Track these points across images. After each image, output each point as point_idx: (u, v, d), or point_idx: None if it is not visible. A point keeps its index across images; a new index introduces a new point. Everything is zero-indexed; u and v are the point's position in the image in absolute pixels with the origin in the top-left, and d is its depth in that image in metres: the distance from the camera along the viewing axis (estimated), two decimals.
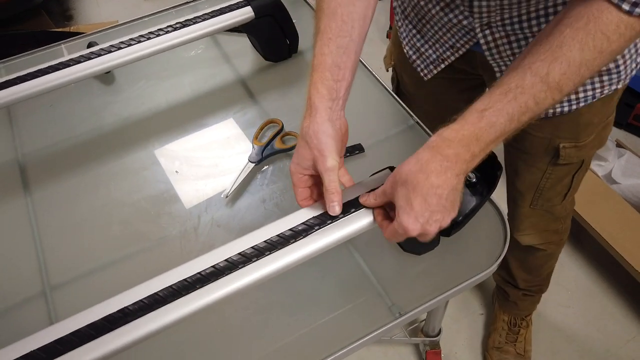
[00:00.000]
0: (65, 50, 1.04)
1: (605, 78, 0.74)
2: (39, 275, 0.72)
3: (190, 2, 1.14)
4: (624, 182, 1.42)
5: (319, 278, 0.71)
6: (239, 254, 0.57)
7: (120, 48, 0.88)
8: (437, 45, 0.81)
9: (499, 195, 0.77)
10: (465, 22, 0.74)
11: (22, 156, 0.88)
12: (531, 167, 0.90)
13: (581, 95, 0.76)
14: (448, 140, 0.51)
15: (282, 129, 0.87)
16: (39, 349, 0.51)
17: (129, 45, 0.88)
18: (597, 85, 0.75)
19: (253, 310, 0.68)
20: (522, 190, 0.94)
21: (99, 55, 0.87)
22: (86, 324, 0.53)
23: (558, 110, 0.78)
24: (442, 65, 0.83)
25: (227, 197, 0.78)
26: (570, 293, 1.41)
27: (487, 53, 0.76)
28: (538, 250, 1.06)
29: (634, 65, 0.75)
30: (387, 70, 1.03)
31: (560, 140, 0.83)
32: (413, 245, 0.70)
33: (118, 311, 0.54)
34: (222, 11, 0.92)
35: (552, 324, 1.36)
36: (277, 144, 0.84)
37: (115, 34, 1.08)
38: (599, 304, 1.39)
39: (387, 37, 2.13)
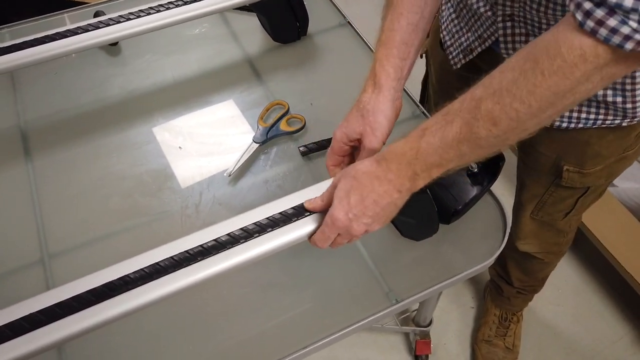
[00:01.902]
0: (67, 20, 1.03)
1: (610, 110, 0.71)
2: (38, 243, 0.72)
3: None
4: (621, 185, 1.43)
5: (317, 260, 0.71)
6: (241, 229, 0.57)
7: (128, 19, 0.86)
8: (469, 34, 0.79)
9: (506, 201, 0.77)
10: (490, 13, 0.73)
11: (24, 122, 0.87)
12: (536, 182, 0.89)
13: (582, 115, 0.73)
14: (392, 153, 0.52)
15: (287, 111, 0.86)
16: (38, 311, 0.51)
17: (138, 16, 0.87)
18: (600, 114, 0.72)
19: (250, 288, 0.69)
20: (525, 201, 0.94)
21: (107, 24, 0.85)
22: (87, 289, 0.53)
23: (556, 124, 0.76)
24: (470, 56, 0.81)
25: (229, 175, 0.78)
26: (561, 291, 1.42)
27: (502, 47, 0.74)
28: (535, 258, 1.06)
29: None
30: (421, 57, 1.02)
31: (565, 163, 0.82)
32: (412, 230, 0.71)
33: (119, 279, 0.54)
34: None
35: (541, 320, 1.38)
36: (282, 126, 0.84)
37: (120, 5, 1.06)
38: (589, 303, 1.41)
39: None
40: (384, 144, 0.60)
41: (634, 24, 0.39)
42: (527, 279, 1.17)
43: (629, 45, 0.40)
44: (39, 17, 1.04)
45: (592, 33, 0.41)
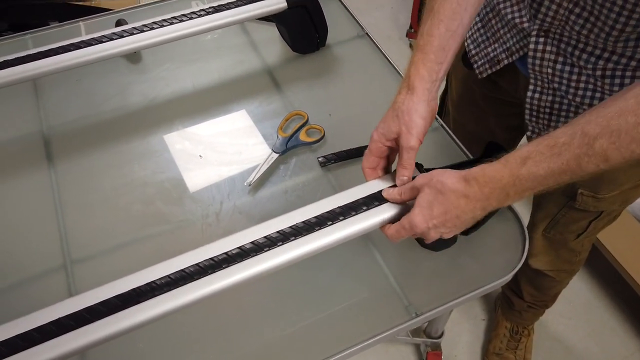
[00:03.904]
0: (83, 28, 1.04)
1: None
2: (60, 248, 0.73)
3: None
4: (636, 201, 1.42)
5: (336, 270, 0.72)
6: (265, 237, 0.58)
7: (152, 28, 0.87)
8: (497, 44, 0.80)
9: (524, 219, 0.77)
10: (525, 25, 0.73)
11: (47, 128, 0.88)
12: (550, 202, 0.90)
13: None
14: (487, 177, 0.53)
15: (307, 121, 0.87)
16: (67, 316, 0.52)
17: (161, 26, 0.88)
18: None
19: (270, 298, 0.69)
20: (538, 219, 0.95)
21: (131, 34, 0.87)
22: (114, 294, 0.54)
23: None
24: (497, 67, 0.81)
25: (250, 185, 0.79)
26: (573, 305, 1.42)
27: (530, 62, 0.74)
28: (547, 275, 1.06)
29: None
30: None
31: (579, 186, 0.82)
32: (431, 243, 0.71)
33: (145, 284, 0.55)
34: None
35: (552, 334, 1.37)
36: (301, 136, 0.85)
37: (142, 14, 1.08)
38: (600, 318, 1.40)
39: (406, 36, 2.13)
40: (420, 142, 0.61)
41: None
42: (538, 294, 1.17)
43: None
44: (61, 23, 1.06)
45: None
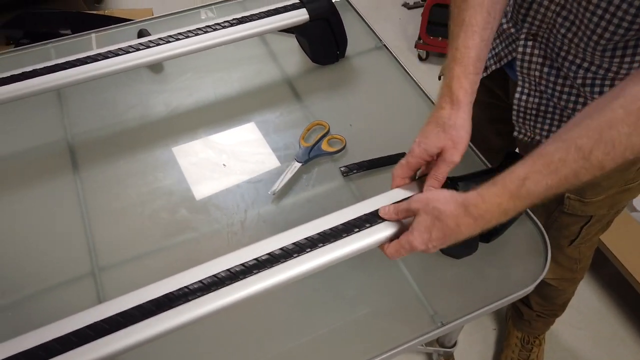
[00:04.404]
0: (93, 40, 1.05)
1: None
2: (88, 256, 0.74)
3: None
4: None
5: (361, 279, 0.72)
6: (293, 243, 0.60)
7: (177, 39, 0.89)
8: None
9: None
10: (513, 30, 0.76)
11: (71, 137, 0.89)
12: (542, 207, 0.91)
13: None
14: (488, 203, 0.54)
15: (328, 131, 0.88)
16: (102, 320, 0.53)
17: (186, 37, 0.89)
18: None
19: (292, 304, 0.70)
20: None
21: (157, 44, 0.88)
22: (147, 300, 0.54)
23: None
24: (485, 73, 0.84)
25: (274, 194, 0.80)
26: (583, 315, 1.42)
27: (518, 65, 0.77)
28: (550, 285, 1.07)
29: None
30: (439, 79, 1.05)
31: (566, 190, 0.84)
32: (453, 248, 0.72)
33: (178, 289, 0.56)
34: (276, 11, 0.93)
35: (562, 344, 1.38)
36: (323, 146, 0.86)
37: (160, 25, 1.09)
38: (611, 328, 1.41)
39: (415, 47, 2.15)
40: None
41: None
42: (546, 303, 1.18)
43: None
44: (83, 32, 1.07)
45: None
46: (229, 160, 0.86)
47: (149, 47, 0.87)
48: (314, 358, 0.66)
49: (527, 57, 0.76)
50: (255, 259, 0.59)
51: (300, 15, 0.93)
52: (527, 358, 1.28)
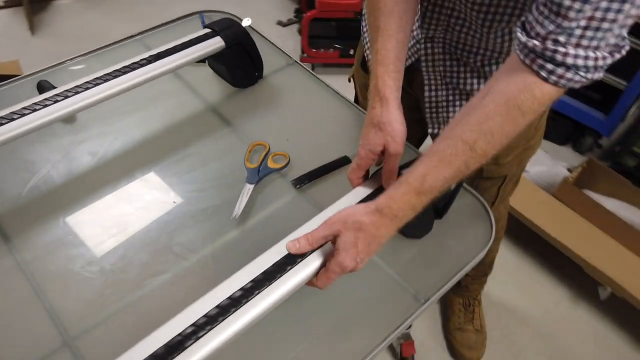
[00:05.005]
0: None
1: None
2: (55, 329, 0.68)
3: (134, 36, 1.13)
4: (532, 170, 1.66)
5: (340, 280, 0.76)
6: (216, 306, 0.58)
7: (87, 88, 0.84)
8: None
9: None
10: (414, 33, 0.85)
11: None
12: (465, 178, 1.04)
13: None
14: (398, 203, 0.60)
15: (269, 149, 0.91)
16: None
17: (96, 84, 0.84)
18: None
19: (280, 316, 0.71)
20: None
21: (66, 97, 0.82)
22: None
23: None
24: None
25: (236, 218, 0.80)
26: (505, 271, 1.60)
27: (423, 64, 0.87)
28: None
29: None
30: (349, 81, 1.12)
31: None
32: (414, 230, 0.80)
33: (171, 339, 0.55)
34: (190, 43, 0.93)
35: (494, 300, 1.54)
36: (269, 164, 0.88)
37: (58, 73, 1.03)
38: (529, 277, 1.60)
39: (300, 61, 2.23)
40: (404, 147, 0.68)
41: (582, 73, 0.55)
42: (476, 265, 1.31)
43: (577, 85, 0.57)
44: None
45: (555, 83, 0.56)
46: (176, 197, 0.84)
47: (57, 101, 0.80)
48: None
49: (429, 57, 0.86)
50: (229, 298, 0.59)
51: (216, 43, 0.94)
52: (471, 319, 1.40)
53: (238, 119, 0.98)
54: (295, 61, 1.10)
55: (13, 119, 0.79)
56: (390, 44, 0.70)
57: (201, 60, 1.03)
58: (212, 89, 1.03)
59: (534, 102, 0.57)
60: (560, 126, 1.98)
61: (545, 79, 0.56)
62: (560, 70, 0.55)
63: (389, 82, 0.69)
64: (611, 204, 1.52)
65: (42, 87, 0.96)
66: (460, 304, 1.42)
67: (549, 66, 0.55)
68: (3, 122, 0.78)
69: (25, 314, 0.69)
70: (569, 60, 0.54)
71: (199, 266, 0.75)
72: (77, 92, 0.84)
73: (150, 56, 0.89)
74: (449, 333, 1.42)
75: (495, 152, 0.60)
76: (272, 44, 1.13)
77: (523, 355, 1.44)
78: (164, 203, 0.83)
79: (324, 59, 2.23)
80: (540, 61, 0.56)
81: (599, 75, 0.57)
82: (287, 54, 1.11)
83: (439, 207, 0.80)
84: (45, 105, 0.81)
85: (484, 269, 1.35)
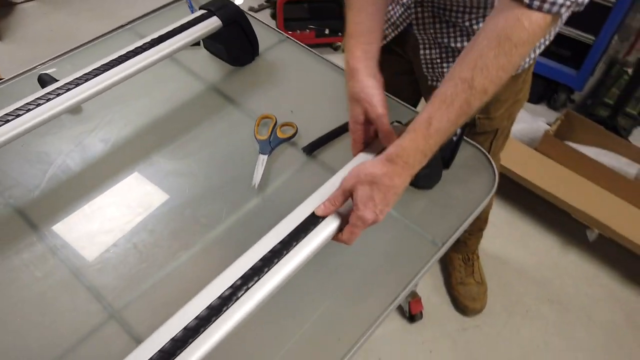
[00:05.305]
0: None
1: None
2: (99, 304, 0.71)
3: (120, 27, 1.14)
4: (513, 127, 1.73)
5: (364, 236, 0.80)
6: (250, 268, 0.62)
7: (88, 80, 0.85)
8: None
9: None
10: (404, 0, 0.89)
11: (14, 200, 0.82)
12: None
13: None
14: (407, 150, 0.62)
15: (276, 121, 0.94)
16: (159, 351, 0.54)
17: (95, 75, 0.85)
18: None
19: (309, 274, 0.75)
20: None
21: (68, 90, 0.82)
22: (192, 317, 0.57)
23: None
24: (385, 41, 0.97)
25: (256, 186, 0.84)
26: (497, 227, 1.67)
27: (415, 28, 0.92)
28: None
29: (532, 54, 0.93)
30: (342, 51, 1.16)
31: (476, 113, 1.02)
32: (425, 181, 0.85)
33: (214, 300, 0.58)
34: (187, 25, 0.95)
35: (490, 254, 1.61)
36: (279, 135, 0.92)
37: (63, 63, 1.04)
38: (520, 229, 1.69)
39: None
40: (386, 108, 0.69)
41: None
42: (473, 221, 1.38)
43: (563, 10, 0.59)
44: None
45: (539, 8, 0.58)
46: (195, 173, 0.87)
47: (59, 94, 0.81)
48: (345, 314, 0.73)
49: (420, 21, 0.91)
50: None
51: (214, 23, 0.96)
52: (472, 272, 1.48)
53: (241, 96, 1.00)
54: (287, 37, 1.13)
55: (19, 115, 0.80)
56: (359, 17, 0.73)
57: (196, 44, 1.06)
58: (211, 70, 1.06)
59: (523, 31, 0.59)
60: (534, 85, 2.06)
61: (529, 5, 0.58)
62: None
63: (356, 53, 0.71)
64: (591, 152, 1.61)
65: (44, 80, 0.97)
66: (460, 259, 1.49)
67: None
68: (10, 118, 0.79)
69: (67, 294, 0.72)
70: None
71: (227, 234, 0.79)
72: (78, 84, 0.84)
73: (152, 40, 0.91)
74: (452, 288, 1.50)
75: (496, 88, 0.61)
76: (262, 22, 1.16)
77: (522, 302, 1.52)
78: (184, 179, 0.86)
79: (301, 40, 2.24)
80: None
81: None
82: (278, 30, 1.14)
83: (445, 157, 0.85)
84: (49, 99, 0.82)
85: (479, 224, 1.42)
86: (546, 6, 0.58)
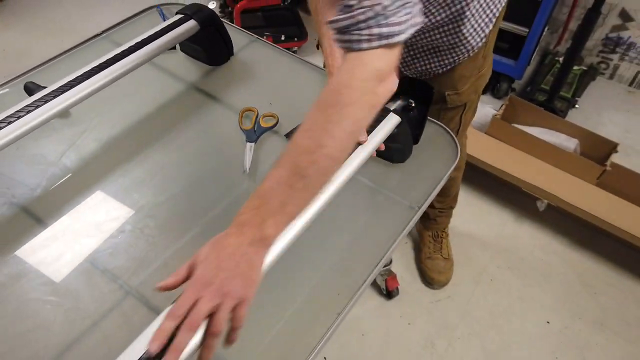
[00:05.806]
0: None
1: (457, 51, 1.02)
2: (115, 283, 0.76)
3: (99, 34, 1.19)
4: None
5: (342, 210, 0.89)
6: None
7: (72, 86, 0.89)
8: None
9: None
10: None
11: (17, 199, 0.86)
12: (432, 111, 1.20)
13: (446, 61, 1.05)
14: (243, 214, 0.61)
15: (258, 113, 1.02)
16: None
17: (80, 82, 0.89)
18: (454, 56, 1.03)
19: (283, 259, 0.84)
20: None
21: (56, 96, 0.86)
22: None
23: (438, 71, 1.07)
24: None
25: (247, 171, 0.91)
26: (458, 207, 1.80)
27: None
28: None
29: (478, 39, 1.01)
30: (317, 48, 1.25)
31: (445, 90, 1.12)
32: (398, 155, 0.96)
33: None
34: (168, 29, 1.02)
35: (455, 231, 1.74)
36: (262, 124, 1.00)
37: (45, 72, 1.08)
38: (478, 207, 1.83)
39: None
40: None
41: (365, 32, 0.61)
42: (442, 198, 1.51)
43: (393, 39, 0.61)
44: None
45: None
46: (187, 164, 0.94)
47: (47, 101, 0.85)
48: (334, 282, 0.81)
49: None
50: None
51: (191, 26, 1.03)
52: (440, 249, 1.60)
53: (221, 92, 1.08)
54: (257, 37, 1.22)
55: (10, 122, 0.84)
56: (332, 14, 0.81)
57: (172, 48, 1.12)
58: (189, 71, 1.12)
59: (364, 70, 0.61)
60: None
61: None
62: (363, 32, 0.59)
63: (335, 53, 0.82)
64: (534, 131, 1.77)
65: (30, 88, 1.01)
66: (430, 236, 1.61)
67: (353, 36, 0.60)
68: (2, 125, 0.83)
69: (83, 278, 0.77)
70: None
71: (226, 215, 0.86)
72: (63, 91, 0.88)
73: (136, 43, 0.97)
74: (421, 262, 1.61)
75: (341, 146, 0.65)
76: (231, 24, 1.24)
77: (486, 271, 1.66)
78: (178, 169, 0.93)
79: None
80: (346, 36, 0.61)
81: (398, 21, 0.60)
82: (247, 32, 1.23)
83: (415, 133, 0.96)
84: (38, 106, 0.86)
85: (449, 202, 1.54)
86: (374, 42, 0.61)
